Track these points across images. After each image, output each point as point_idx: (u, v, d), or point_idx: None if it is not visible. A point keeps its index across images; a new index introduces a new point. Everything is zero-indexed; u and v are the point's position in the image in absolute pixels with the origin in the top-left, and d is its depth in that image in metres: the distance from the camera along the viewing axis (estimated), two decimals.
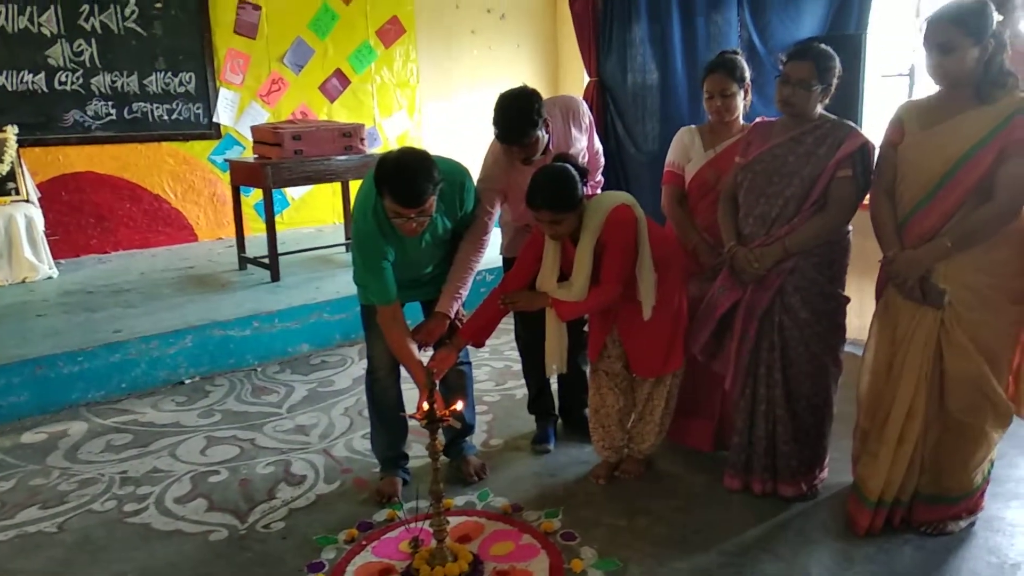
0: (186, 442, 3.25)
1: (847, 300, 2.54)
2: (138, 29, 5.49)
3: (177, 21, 5.62)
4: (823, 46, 2.43)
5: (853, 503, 2.46)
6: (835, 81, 2.41)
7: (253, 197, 5.83)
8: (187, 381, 3.90)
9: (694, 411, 2.91)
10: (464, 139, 6.67)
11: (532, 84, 2.72)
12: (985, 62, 2.10)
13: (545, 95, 2.70)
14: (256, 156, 5.00)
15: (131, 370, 3.77)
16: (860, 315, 3.22)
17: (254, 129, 5.11)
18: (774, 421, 2.54)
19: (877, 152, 2.37)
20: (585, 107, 2.97)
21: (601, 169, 3.14)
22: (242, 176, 5.05)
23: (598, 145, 3.07)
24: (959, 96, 2.16)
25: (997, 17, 2.12)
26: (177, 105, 5.73)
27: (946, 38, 2.09)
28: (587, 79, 6.44)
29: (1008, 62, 2.14)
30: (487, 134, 2.71)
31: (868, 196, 2.40)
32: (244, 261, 5.12)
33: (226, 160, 5.48)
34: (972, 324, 2.17)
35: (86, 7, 5.27)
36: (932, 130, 2.20)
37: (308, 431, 3.33)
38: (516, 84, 2.71)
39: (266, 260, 4.84)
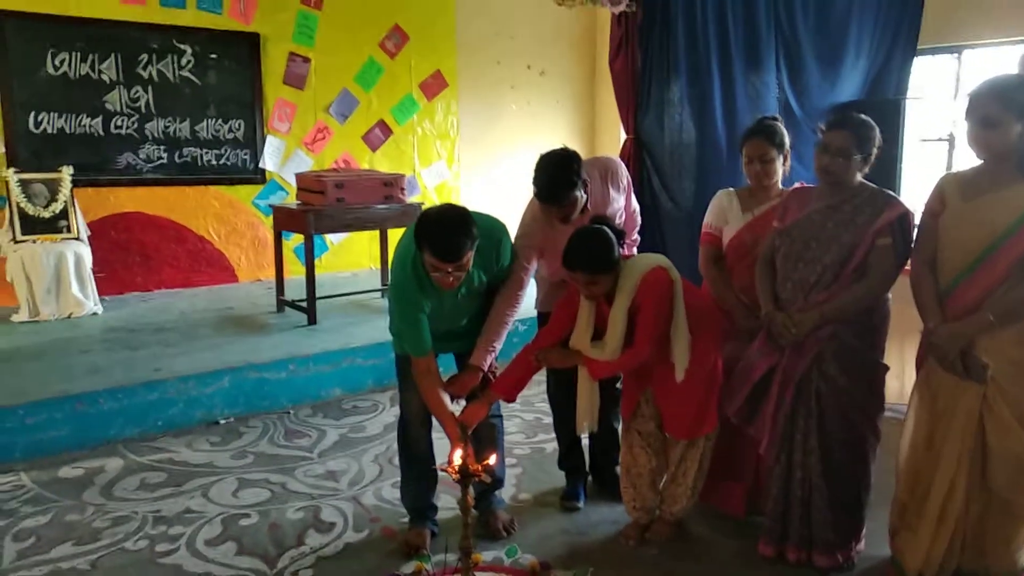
0: (219, 483, 3.28)
1: (886, 368, 2.51)
2: (193, 78, 5.72)
3: (230, 71, 5.86)
4: (863, 116, 2.45)
5: None
6: (875, 151, 2.43)
7: (294, 241, 5.96)
8: (222, 421, 3.95)
9: (728, 474, 2.87)
10: (501, 190, 6.79)
11: (569, 140, 2.80)
12: None
13: (582, 151, 2.76)
14: (299, 202, 5.13)
15: (168, 408, 3.84)
16: (900, 379, 3.18)
17: (298, 176, 5.26)
18: (810, 489, 2.50)
19: (917, 221, 2.37)
20: (623, 168, 3.02)
21: (638, 228, 3.18)
22: (285, 221, 5.18)
23: (635, 205, 3.11)
24: (1002, 169, 2.17)
25: None
26: (226, 151, 5.93)
27: (989, 113, 2.11)
28: (624, 136, 6.53)
29: None
30: (524, 186, 2.77)
31: (909, 263, 2.40)
32: (282, 304, 5.21)
33: (270, 205, 5.63)
34: (1016, 400, 2.13)
35: (145, 56, 5.52)
36: (974, 202, 2.20)
37: (338, 477, 3.35)
38: (554, 139, 2.78)
39: (304, 303, 4.93)
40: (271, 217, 5.47)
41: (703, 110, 5.79)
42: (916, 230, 2.37)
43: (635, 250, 3.12)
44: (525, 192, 2.82)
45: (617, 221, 2.92)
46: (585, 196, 2.72)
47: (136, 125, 5.57)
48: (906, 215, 2.37)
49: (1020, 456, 2.13)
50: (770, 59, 5.37)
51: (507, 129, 7.13)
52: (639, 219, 3.18)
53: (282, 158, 6.14)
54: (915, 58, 4.92)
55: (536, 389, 4.07)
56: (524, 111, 7.19)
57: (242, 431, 3.86)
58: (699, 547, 2.74)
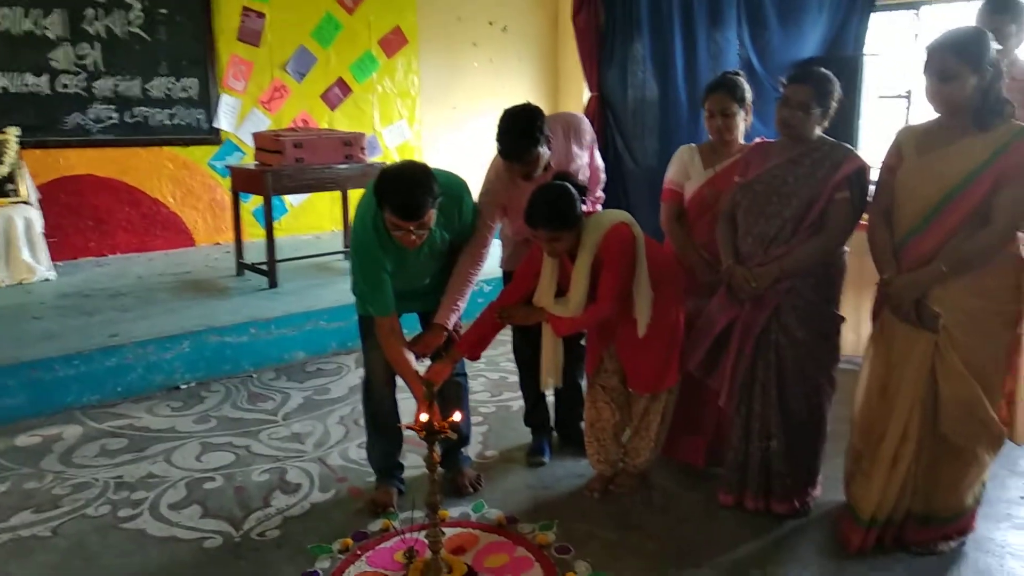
0: (181, 448, 3.25)
1: (842, 320, 2.56)
2: (142, 34, 5.51)
3: (181, 27, 5.65)
4: (823, 70, 2.46)
5: (845, 522, 2.48)
6: (834, 105, 2.44)
7: (252, 203, 5.85)
8: (183, 386, 3.90)
9: (689, 427, 2.92)
10: (464, 149, 6.72)
11: (533, 97, 2.75)
12: (983, 90, 2.13)
13: (546, 108, 2.73)
14: (257, 163, 5.02)
15: (127, 374, 3.77)
16: (856, 331, 3.25)
17: (255, 136, 5.13)
18: (768, 438, 2.57)
19: (875, 175, 2.40)
20: (587, 124, 3.00)
21: (602, 185, 3.17)
22: (242, 182, 5.06)
23: (599, 161, 3.10)
24: (957, 123, 2.20)
25: (995, 47, 2.16)
26: (179, 110, 5.75)
27: (946, 66, 2.13)
28: (588, 94, 6.49)
29: (1005, 91, 2.17)
30: (487, 145, 2.74)
31: (865, 217, 2.43)
32: (242, 267, 5.12)
33: (227, 166, 5.50)
34: (966, 348, 2.19)
35: (91, 11, 5.29)
36: (930, 156, 2.23)
37: (303, 439, 3.34)
38: (517, 97, 2.74)
39: (264, 266, 4.85)
40: (228, 179, 5.34)
41: (666, 67, 5.78)
42: (874, 184, 2.41)
43: (599, 207, 3.11)
44: (489, 151, 2.79)
45: (581, 178, 2.91)
46: (548, 153, 2.70)
47: (84, 84, 5.36)
48: (863, 169, 2.40)
49: (969, 402, 2.21)
50: (732, 16, 5.37)
51: (470, 87, 7.02)
52: (603, 176, 3.17)
53: (238, 118, 5.98)
54: (873, 14, 4.95)
55: (501, 349, 4.10)
56: (487, 68, 7.09)
57: (204, 395, 3.82)
58: (662, 498, 2.80)
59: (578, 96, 6.94)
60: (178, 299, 4.54)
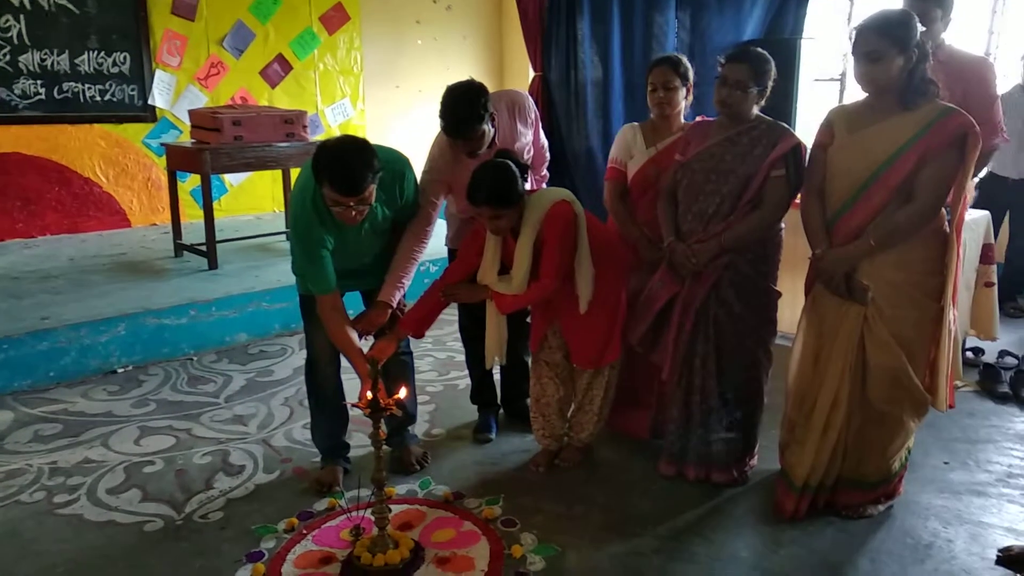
0: (119, 432, 3.17)
1: (779, 295, 2.65)
2: (69, 6, 5.29)
3: None
4: (759, 50, 2.52)
5: (780, 488, 2.57)
6: (771, 83, 2.50)
7: (190, 183, 5.69)
8: (120, 370, 3.80)
9: (632, 401, 2.99)
10: (409, 129, 6.65)
11: (477, 77, 2.74)
12: (909, 71, 2.21)
13: (491, 88, 2.73)
14: (194, 141, 4.89)
15: (60, 359, 3.66)
16: (792, 308, 3.34)
17: (192, 113, 4.99)
18: (708, 410, 2.64)
19: (808, 153, 2.48)
20: (531, 102, 3.00)
21: (547, 164, 3.18)
22: (179, 161, 4.93)
23: (543, 140, 3.11)
24: (885, 102, 2.27)
25: (920, 28, 2.24)
26: (110, 86, 5.54)
27: (873, 47, 2.20)
28: (532, 73, 6.49)
29: (929, 71, 2.26)
30: (431, 124, 2.72)
31: (799, 195, 2.51)
32: (180, 248, 5.00)
33: (162, 144, 5.34)
34: (892, 319, 2.29)
35: None
36: (859, 134, 2.30)
37: (246, 421, 3.29)
38: (461, 76, 2.72)
39: (203, 247, 4.74)
40: (164, 157, 5.19)
41: (607, 48, 5.82)
42: (807, 162, 2.48)
43: (544, 186, 3.13)
44: (434, 130, 2.77)
45: (526, 156, 2.92)
46: (492, 130, 2.70)
47: (8, 57, 5.12)
48: (799, 146, 2.47)
49: (895, 371, 2.31)
50: None
51: (413, 65, 6.94)
52: (548, 155, 3.18)
53: (173, 94, 5.79)
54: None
55: (448, 328, 4.11)
56: (430, 47, 7.01)
57: (142, 379, 3.73)
58: (606, 470, 2.86)
59: (523, 76, 6.93)
60: (113, 281, 4.40)
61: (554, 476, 2.82)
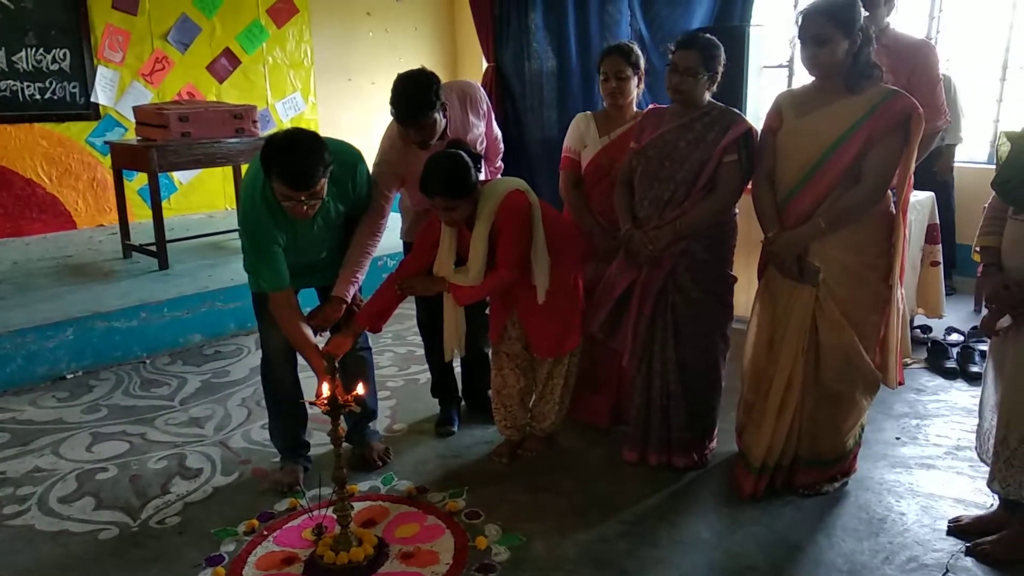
0: (70, 439, 3.08)
1: (735, 279, 2.68)
2: (4, 1, 5.10)
3: None
4: (708, 36, 2.54)
5: (739, 470, 2.61)
6: (720, 69, 2.52)
7: (137, 182, 5.54)
8: (69, 376, 3.70)
9: (592, 388, 3.00)
10: (362, 122, 6.57)
11: (431, 68, 2.71)
12: (854, 54, 2.25)
13: (444, 79, 2.70)
14: (140, 138, 4.76)
15: (6, 366, 3.54)
16: (747, 292, 3.39)
17: (137, 110, 4.86)
18: (668, 395, 2.66)
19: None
20: (483, 93, 2.98)
21: (501, 155, 3.17)
22: (124, 159, 4.80)
23: (497, 131, 3.10)
24: (831, 86, 2.31)
25: (864, 13, 2.28)
26: (50, 84, 5.36)
27: (819, 31, 2.23)
28: (486, 64, 6.46)
29: (874, 55, 2.30)
30: (385, 117, 2.69)
31: (751, 180, 2.54)
32: (129, 249, 4.87)
33: (106, 142, 5.19)
34: (843, 299, 2.34)
35: None
36: (807, 118, 2.34)
37: (203, 423, 3.23)
38: (414, 67, 2.69)
39: (153, 247, 4.63)
40: (109, 156, 5.04)
41: (560, 38, 5.81)
42: (757, 147, 2.51)
43: (499, 177, 3.12)
44: (385, 123, 2.74)
45: (479, 148, 2.91)
46: (444, 120, 2.67)
47: None
48: (750, 131, 2.50)
49: (846, 350, 2.36)
50: None
51: (365, 58, 6.86)
52: (501, 146, 3.17)
53: (117, 91, 5.63)
54: None
55: (408, 323, 4.08)
56: (382, 39, 6.93)
57: (93, 384, 3.63)
58: (569, 458, 2.87)
59: (477, 67, 6.89)
60: (60, 284, 4.27)
61: (517, 466, 2.82)
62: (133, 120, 4.99)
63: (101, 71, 5.54)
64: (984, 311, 2.15)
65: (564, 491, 2.64)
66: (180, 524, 2.49)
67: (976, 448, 2.34)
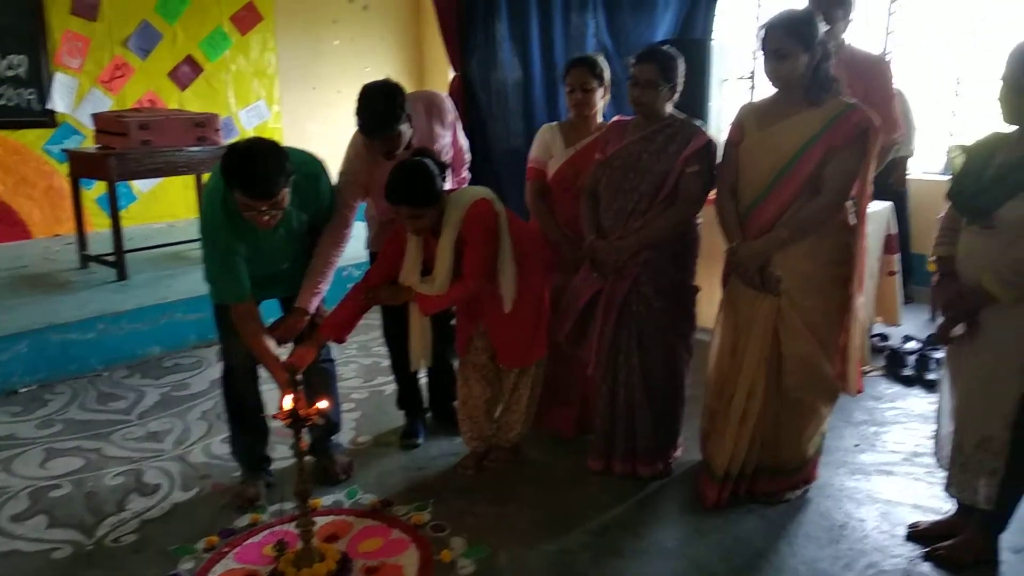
0: (22, 455, 3.00)
1: (697, 289, 2.70)
2: None
3: None
4: (667, 48, 2.58)
5: (703, 478, 2.63)
6: (680, 81, 2.55)
7: (95, 190, 5.42)
8: (23, 390, 3.60)
9: (558, 399, 3.00)
10: (327, 131, 6.50)
11: (397, 77, 2.71)
12: (813, 68, 2.30)
13: (410, 89, 2.69)
14: (98, 146, 4.66)
15: None
16: (711, 303, 3.42)
17: (96, 117, 4.76)
18: (632, 404, 2.67)
19: (721, 150, 2.54)
20: (449, 103, 2.98)
21: (467, 165, 3.17)
22: (83, 168, 4.69)
23: (463, 141, 3.09)
24: (791, 99, 2.35)
25: (823, 27, 2.32)
26: (5, 90, 5.22)
27: (780, 45, 2.27)
28: (452, 74, 6.46)
29: (833, 69, 2.35)
30: (351, 126, 2.67)
31: (714, 191, 2.57)
32: (86, 259, 4.76)
33: (64, 150, 5.07)
34: (804, 309, 2.37)
35: None
36: (768, 130, 2.38)
37: (161, 438, 3.16)
38: (380, 77, 2.68)
39: (111, 258, 4.53)
40: (66, 164, 4.92)
41: (527, 49, 5.83)
42: (720, 158, 2.54)
43: (466, 186, 3.11)
44: (351, 132, 2.72)
45: (445, 158, 2.90)
46: (410, 131, 2.66)
47: None
48: (711, 143, 2.53)
49: (807, 358, 2.39)
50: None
51: (331, 67, 6.80)
52: (468, 156, 3.17)
53: (75, 98, 5.51)
54: (720, 0, 5.19)
55: (373, 334, 4.05)
56: (348, 48, 6.89)
57: (47, 398, 3.54)
58: (534, 469, 2.86)
59: (443, 76, 6.88)
60: (13, 296, 4.15)
61: (483, 478, 2.81)
62: (92, 127, 4.89)
63: (59, 78, 5.42)
64: (939, 319, 2.20)
65: (530, 502, 2.63)
66: (137, 542, 2.43)
67: (935, 454, 2.38)
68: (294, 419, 2.14)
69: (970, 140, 2.18)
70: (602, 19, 5.39)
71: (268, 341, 2.45)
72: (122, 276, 4.48)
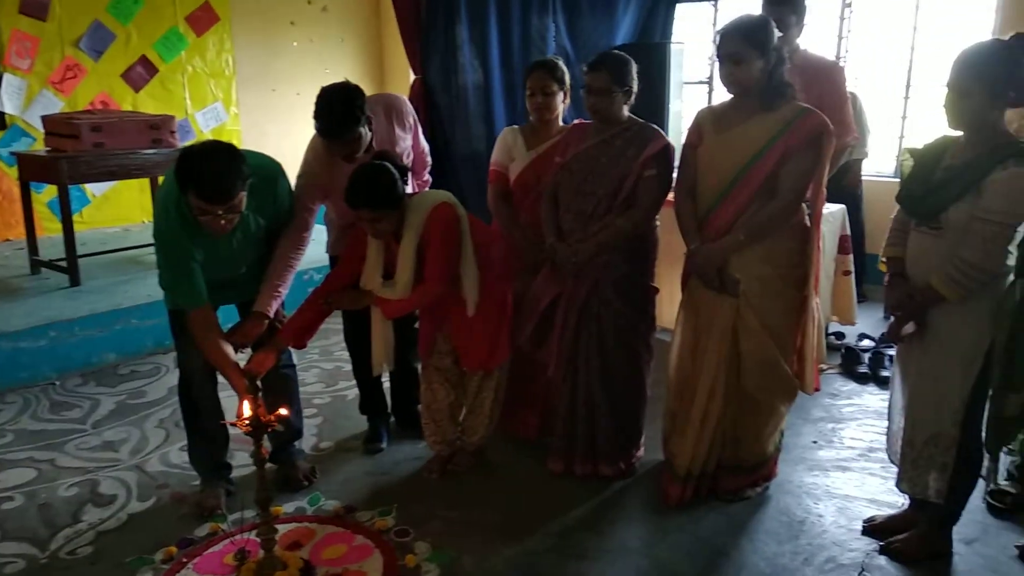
0: None
1: (656, 291, 2.73)
2: None
3: None
4: (617, 53, 2.60)
5: (665, 478, 2.66)
6: (634, 84, 2.57)
7: (46, 194, 5.28)
8: None
9: (521, 402, 3.00)
10: (286, 133, 6.43)
11: (357, 79, 2.68)
12: (768, 73, 2.34)
13: (371, 92, 2.68)
14: (49, 149, 4.55)
15: None
16: (671, 304, 3.47)
17: (46, 119, 4.64)
18: (593, 405, 2.69)
19: (679, 154, 2.57)
20: (409, 106, 2.97)
21: (428, 168, 3.16)
22: (32, 171, 4.57)
23: (424, 144, 3.08)
24: (748, 104, 2.39)
25: (777, 34, 2.37)
26: None
27: (735, 50, 2.31)
28: (413, 76, 6.44)
29: (787, 74, 2.40)
30: (311, 129, 2.64)
31: (673, 194, 2.60)
32: (37, 264, 4.64)
33: (12, 153, 4.93)
34: (762, 310, 2.41)
35: None
36: (726, 134, 2.41)
37: (117, 447, 3.09)
38: (340, 79, 2.66)
39: (63, 263, 4.42)
40: (15, 167, 4.79)
41: (487, 52, 5.84)
42: (679, 162, 2.57)
43: (427, 190, 3.10)
44: (313, 135, 2.69)
45: (406, 160, 2.89)
46: (370, 133, 2.65)
47: None
48: (668, 147, 2.56)
49: (765, 359, 2.43)
50: (548, 3, 5.50)
51: (290, 68, 6.72)
52: (429, 159, 3.16)
53: (24, 100, 5.36)
54: (678, 5, 5.27)
55: (335, 338, 4.02)
56: (307, 49, 6.82)
57: None
58: (498, 472, 2.87)
59: (404, 79, 6.85)
60: None
61: (447, 482, 2.80)
62: (42, 130, 4.77)
63: (7, 79, 5.27)
64: (891, 319, 2.25)
65: (494, 505, 2.63)
66: (93, 554, 2.38)
67: (887, 450, 2.44)
68: (255, 426, 2.11)
69: (920, 144, 2.25)
70: (562, 23, 5.42)
71: (225, 347, 2.40)
72: (75, 282, 4.38)
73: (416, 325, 2.91)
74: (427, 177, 3.17)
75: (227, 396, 2.63)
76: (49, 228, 5.12)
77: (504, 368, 2.80)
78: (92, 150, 4.37)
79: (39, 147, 5.08)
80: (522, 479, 2.81)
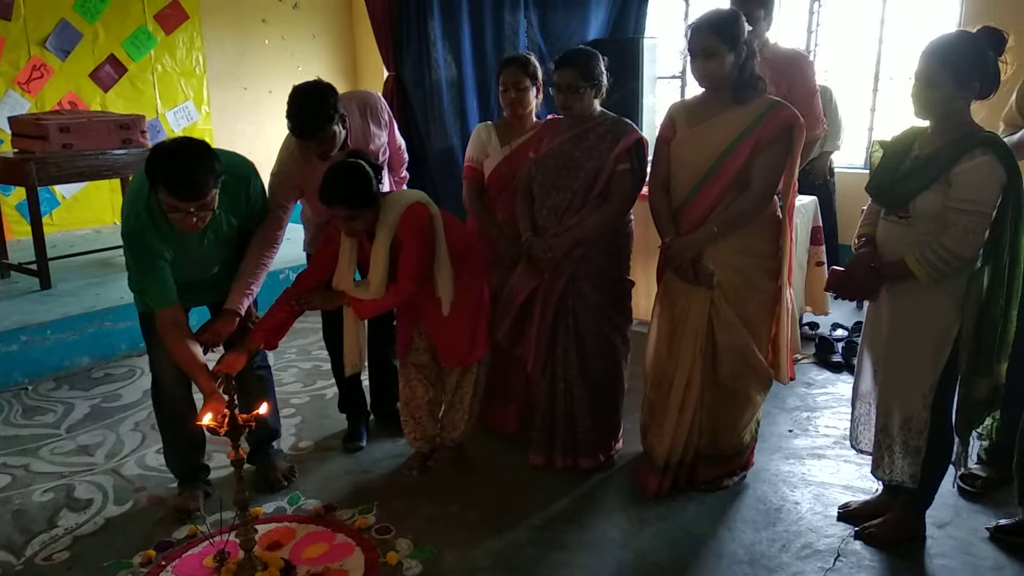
0: None
1: (632, 284, 2.75)
2: None
3: None
4: (584, 49, 2.61)
5: (644, 469, 2.68)
6: (603, 78, 2.58)
7: (15, 197, 5.21)
8: None
9: (500, 397, 3.01)
10: (259, 132, 6.39)
11: (330, 77, 2.68)
12: (739, 67, 2.36)
13: (344, 89, 2.66)
14: (16, 150, 4.47)
15: None
16: (647, 297, 3.50)
17: (13, 120, 4.57)
18: (572, 398, 2.71)
19: (652, 147, 2.59)
20: (384, 103, 2.96)
21: (405, 165, 3.15)
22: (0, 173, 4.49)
23: (400, 141, 3.07)
24: (720, 97, 2.41)
25: (747, 28, 2.39)
26: None
27: (706, 44, 2.33)
28: (386, 73, 6.41)
29: (758, 68, 2.42)
30: (283, 128, 2.62)
31: (647, 187, 2.62)
32: (6, 268, 4.57)
33: None
34: (737, 300, 2.44)
35: None
36: (698, 128, 2.44)
37: (93, 451, 3.05)
38: (313, 76, 2.65)
39: (33, 266, 4.35)
40: None
41: (459, 48, 5.82)
42: (652, 155, 2.59)
43: (405, 187, 3.10)
44: (283, 133, 2.67)
45: (382, 158, 2.88)
46: (344, 131, 2.63)
47: None
48: (641, 141, 2.58)
49: (740, 349, 2.46)
50: None
51: (262, 66, 6.67)
52: (406, 156, 3.15)
53: None
54: (650, 1, 5.29)
55: (313, 337, 4.00)
56: (278, 46, 6.77)
57: None
58: (479, 467, 2.87)
59: (378, 75, 6.82)
60: None
61: (428, 478, 2.80)
62: (9, 131, 4.68)
63: None
64: (864, 307, 2.28)
65: (474, 500, 2.64)
66: (70, 559, 2.35)
67: (849, 436, 2.47)
68: (231, 426, 2.09)
69: (889, 136, 2.28)
70: (535, 18, 5.42)
71: (195, 348, 2.36)
72: (45, 285, 4.32)
73: (395, 323, 2.90)
74: (404, 174, 3.17)
75: (202, 397, 2.60)
76: (18, 231, 5.04)
77: (483, 363, 2.80)
78: (61, 151, 4.31)
79: (7, 149, 4.98)
80: (502, 474, 2.82)
